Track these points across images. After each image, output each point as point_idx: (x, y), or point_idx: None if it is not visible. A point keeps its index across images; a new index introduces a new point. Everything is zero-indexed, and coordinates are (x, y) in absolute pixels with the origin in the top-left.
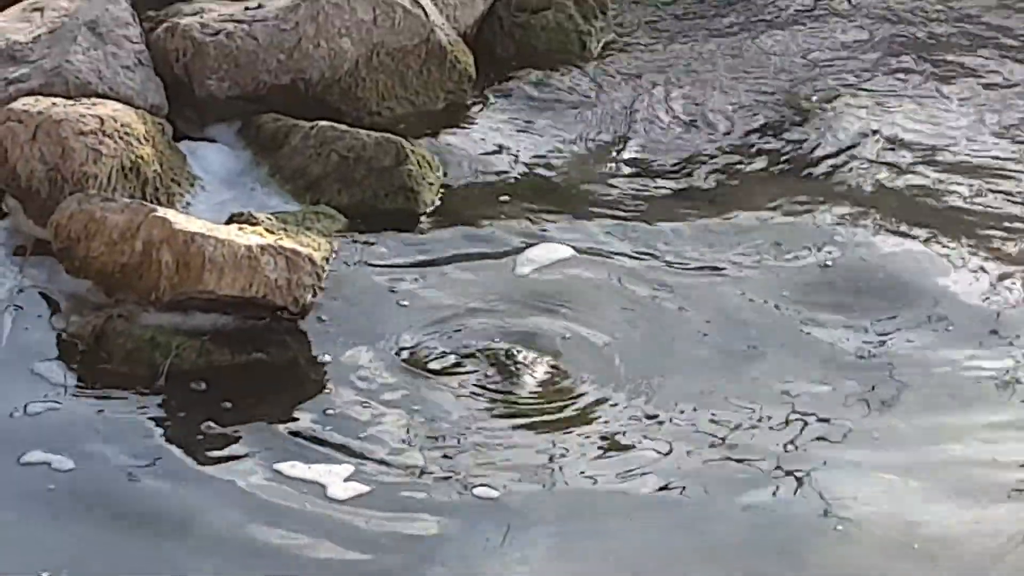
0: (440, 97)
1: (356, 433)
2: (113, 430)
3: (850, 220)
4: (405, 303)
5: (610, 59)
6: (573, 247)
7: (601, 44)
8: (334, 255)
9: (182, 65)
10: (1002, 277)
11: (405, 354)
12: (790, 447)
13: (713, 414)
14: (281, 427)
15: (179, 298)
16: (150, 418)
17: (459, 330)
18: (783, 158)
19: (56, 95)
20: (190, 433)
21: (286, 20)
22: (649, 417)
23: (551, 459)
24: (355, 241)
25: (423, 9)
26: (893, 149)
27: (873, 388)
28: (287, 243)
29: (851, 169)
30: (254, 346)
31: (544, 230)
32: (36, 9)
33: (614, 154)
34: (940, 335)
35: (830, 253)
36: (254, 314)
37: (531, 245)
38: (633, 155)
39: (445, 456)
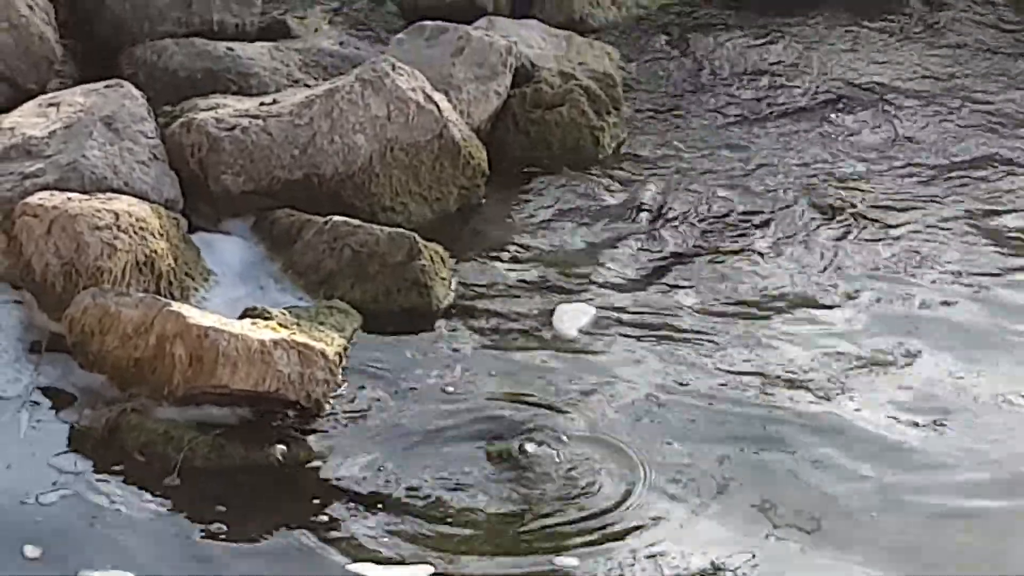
0: (453, 192)
1: (369, 535)
2: (125, 524)
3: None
4: (420, 400)
5: (623, 155)
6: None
7: (614, 140)
8: (348, 350)
9: (197, 160)
10: None
11: (421, 452)
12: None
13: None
14: (293, 527)
15: (192, 392)
16: (162, 513)
17: (472, 428)
18: (792, 251)
19: (71, 190)
20: (202, 529)
21: (301, 116)
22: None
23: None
24: (368, 336)
25: (436, 105)
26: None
27: None
28: (300, 338)
29: (855, 260)
30: (267, 441)
31: (553, 329)
32: (52, 104)
33: (627, 250)
34: None
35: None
36: (267, 408)
37: (542, 340)
38: (645, 251)
39: (458, 559)
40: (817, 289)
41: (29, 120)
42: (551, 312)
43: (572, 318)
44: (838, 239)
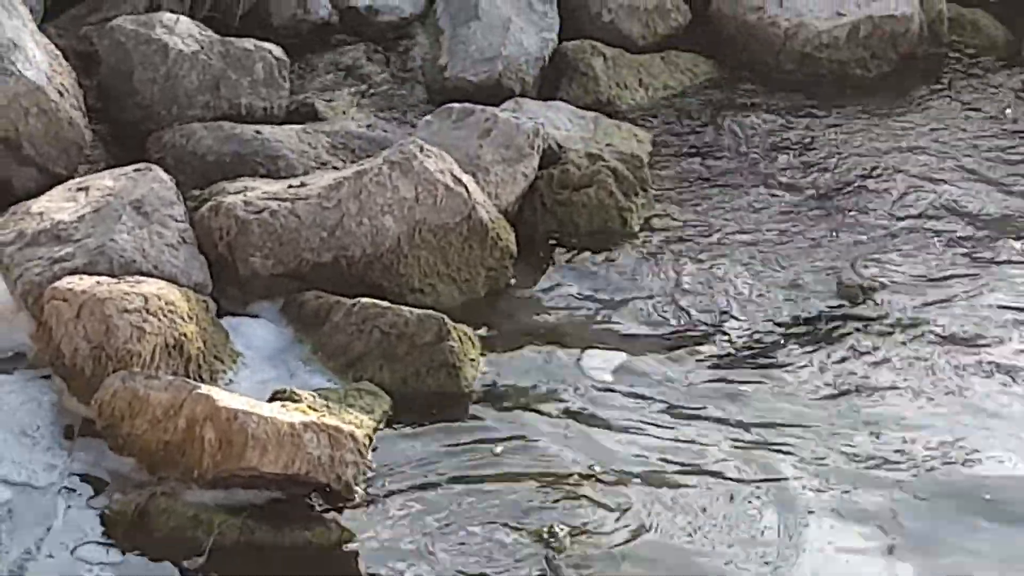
0: (482, 273)
1: None
2: None
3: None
4: (448, 483)
5: (651, 236)
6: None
7: (642, 220)
8: (377, 432)
9: (226, 243)
10: None
11: (450, 535)
12: None
13: None
14: None
15: (222, 475)
16: None
17: (502, 511)
18: (818, 338)
19: (101, 273)
20: None
21: (329, 198)
22: None
23: None
24: (397, 418)
25: (465, 187)
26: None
27: None
28: (330, 420)
29: (883, 348)
30: (296, 524)
31: (584, 408)
32: (81, 189)
33: (656, 332)
34: None
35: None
36: (297, 491)
37: (572, 420)
38: (675, 333)
39: None
40: (839, 368)
41: (58, 205)
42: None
43: (604, 361)
44: (863, 320)
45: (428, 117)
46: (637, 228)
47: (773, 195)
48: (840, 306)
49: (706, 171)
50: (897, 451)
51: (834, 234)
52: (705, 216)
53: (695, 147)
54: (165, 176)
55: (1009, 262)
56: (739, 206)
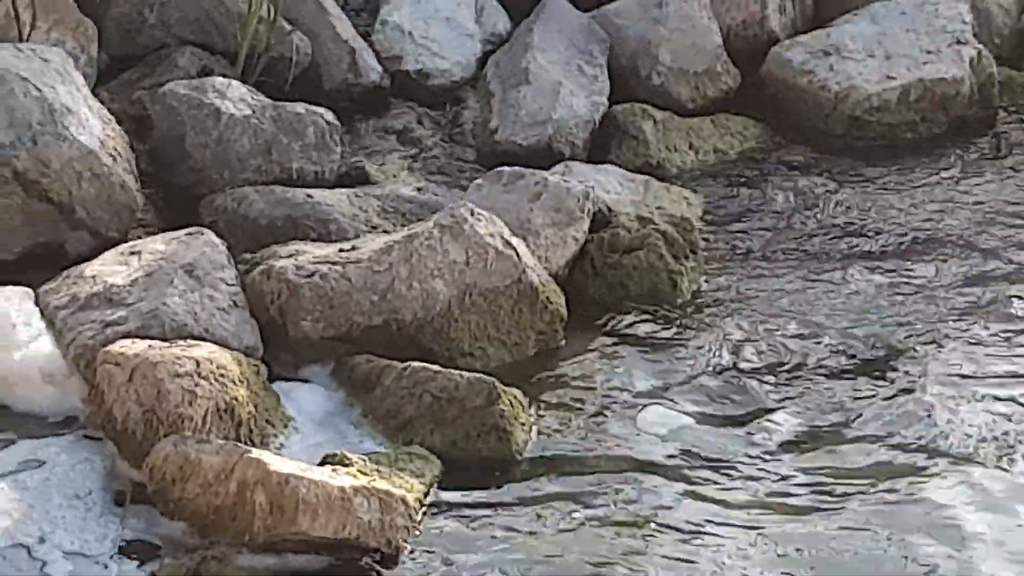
0: (532, 337)
1: None
2: None
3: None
4: (499, 549)
5: (701, 299)
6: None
7: (692, 284)
8: (427, 496)
9: (277, 307)
10: None
11: None
12: None
13: None
14: None
15: (273, 540)
16: None
17: (554, 572)
18: (868, 407)
19: (152, 337)
20: None
21: (379, 262)
22: None
23: None
24: (448, 482)
25: (515, 250)
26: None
27: None
28: (380, 484)
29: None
30: None
31: (636, 472)
32: (134, 253)
33: (705, 397)
34: None
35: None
36: (347, 556)
37: (621, 493)
38: (724, 399)
39: None
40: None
41: (111, 268)
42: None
43: (656, 424)
44: (916, 382)
45: (478, 180)
46: (687, 291)
47: (822, 258)
48: (892, 368)
49: (756, 234)
50: (953, 519)
51: (885, 297)
52: (755, 279)
53: (745, 210)
54: (217, 240)
55: None
56: (789, 269)
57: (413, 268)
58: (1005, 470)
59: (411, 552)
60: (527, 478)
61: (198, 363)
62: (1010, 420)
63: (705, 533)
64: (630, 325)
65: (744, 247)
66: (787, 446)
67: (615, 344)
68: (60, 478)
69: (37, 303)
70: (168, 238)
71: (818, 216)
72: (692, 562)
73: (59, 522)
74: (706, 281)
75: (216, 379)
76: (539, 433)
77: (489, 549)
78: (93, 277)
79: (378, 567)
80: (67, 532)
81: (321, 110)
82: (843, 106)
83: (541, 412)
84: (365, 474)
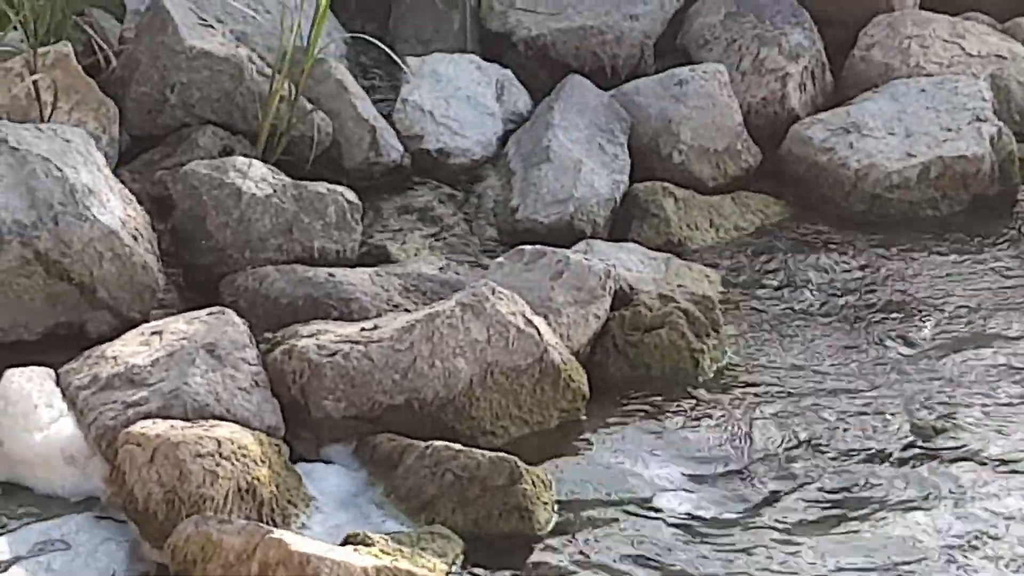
0: (554, 416)
1: None
2: None
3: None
4: None
5: (723, 377)
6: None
7: (714, 362)
8: None
9: (299, 386)
10: None
11: None
12: None
13: None
14: None
15: None
16: None
17: None
18: (893, 479)
19: (174, 417)
20: None
21: (401, 340)
22: None
23: None
24: (470, 562)
25: (536, 329)
26: None
27: None
28: (402, 564)
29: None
30: None
31: (659, 551)
32: (155, 333)
33: (728, 480)
34: None
35: None
36: None
37: (648, 567)
38: (747, 481)
39: None
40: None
41: (132, 348)
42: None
43: (680, 504)
44: (938, 459)
45: (500, 259)
46: (709, 370)
47: (844, 335)
48: (914, 445)
49: (777, 311)
50: None
51: (906, 374)
52: (777, 357)
53: (766, 287)
54: (238, 319)
55: None
56: (810, 346)
57: (435, 347)
58: None
59: None
60: (549, 557)
61: (220, 443)
62: None
63: None
64: (652, 404)
65: (765, 325)
66: (813, 530)
67: (637, 423)
68: (84, 559)
69: (58, 383)
70: (189, 318)
71: (840, 293)
72: None
73: None
74: (728, 359)
75: (238, 459)
76: (561, 512)
77: None
78: (114, 357)
79: None
80: None
81: (342, 189)
82: (863, 183)
83: (563, 491)
84: (387, 554)
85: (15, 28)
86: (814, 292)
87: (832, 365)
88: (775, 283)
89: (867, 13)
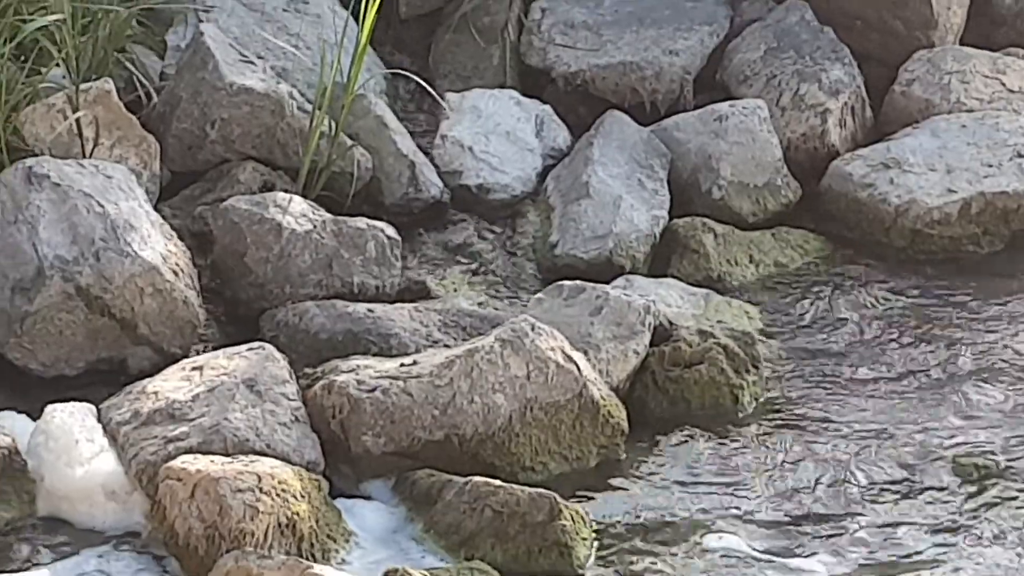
0: (593, 452)
1: None
2: None
3: None
4: None
5: (762, 414)
6: None
7: (754, 398)
8: None
9: (338, 422)
10: None
11: None
12: None
13: None
14: None
15: None
16: None
17: None
18: (936, 521)
19: (215, 452)
20: None
21: (441, 376)
22: None
23: None
24: None
25: (576, 364)
26: None
27: None
28: None
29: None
30: None
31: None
32: (195, 368)
33: (769, 515)
34: None
35: None
36: None
37: None
38: (787, 517)
39: None
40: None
41: (173, 384)
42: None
43: (717, 542)
44: (980, 501)
45: (539, 295)
46: (749, 406)
47: (884, 374)
48: (958, 483)
49: (817, 348)
50: None
51: (948, 412)
52: (816, 394)
53: (806, 324)
54: (278, 355)
55: None
56: (850, 384)
57: (474, 382)
58: None
59: None
60: None
61: (260, 478)
62: None
63: None
64: (692, 440)
65: (805, 361)
66: (856, 569)
67: (676, 460)
68: None
69: (99, 419)
70: (230, 353)
71: (879, 330)
72: None
73: None
74: (768, 396)
75: (278, 494)
76: (601, 548)
77: None
78: (155, 393)
79: None
80: None
81: (382, 224)
82: (904, 219)
83: (602, 528)
84: None
85: (58, 65)
86: (854, 328)
87: (873, 402)
88: (815, 319)
89: (907, 49)
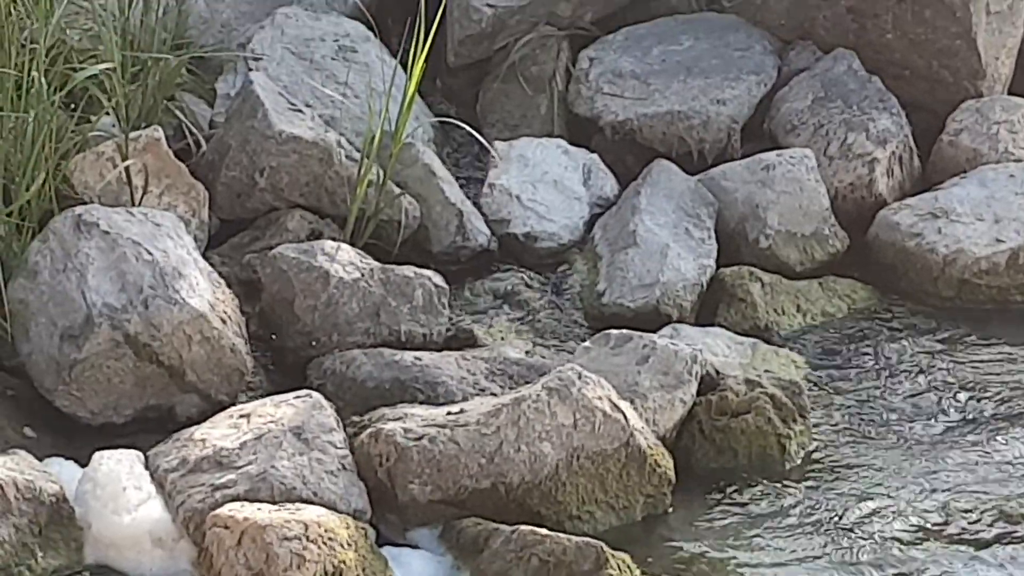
0: (640, 501)
1: None
2: None
3: None
4: None
5: (810, 464)
6: None
7: (801, 448)
8: None
9: (385, 470)
10: None
11: None
12: None
13: None
14: None
15: None
16: None
17: None
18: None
19: (262, 500)
20: None
21: (487, 424)
22: None
23: None
24: None
25: (623, 413)
26: None
27: None
28: None
29: None
30: None
31: None
32: (243, 416)
33: (816, 565)
34: None
35: None
36: None
37: None
38: (835, 567)
39: None
40: None
41: (220, 431)
42: None
43: None
44: None
45: (586, 343)
46: (796, 456)
47: (932, 424)
48: (1010, 537)
49: (865, 399)
50: None
51: (996, 464)
52: (864, 445)
53: (854, 374)
54: (325, 403)
55: None
56: (898, 435)
57: (521, 431)
58: None
59: None
60: None
61: (307, 526)
62: None
63: None
64: (739, 490)
65: (853, 411)
66: None
67: (723, 510)
68: None
69: (147, 466)
70: (277, 401)
71: (928, 380)
72: None
73: None
74: (815, 446)
75: (324, 542)
76: None
77: None
78: (203, 440)
79: None
80: None
81: (429, 273)
82: (951, 269)
83: None
84: None
85: (107, 113)
86: (902, 378)
87: (919, 454)
88: (863, 369)
89: (955, 99)
